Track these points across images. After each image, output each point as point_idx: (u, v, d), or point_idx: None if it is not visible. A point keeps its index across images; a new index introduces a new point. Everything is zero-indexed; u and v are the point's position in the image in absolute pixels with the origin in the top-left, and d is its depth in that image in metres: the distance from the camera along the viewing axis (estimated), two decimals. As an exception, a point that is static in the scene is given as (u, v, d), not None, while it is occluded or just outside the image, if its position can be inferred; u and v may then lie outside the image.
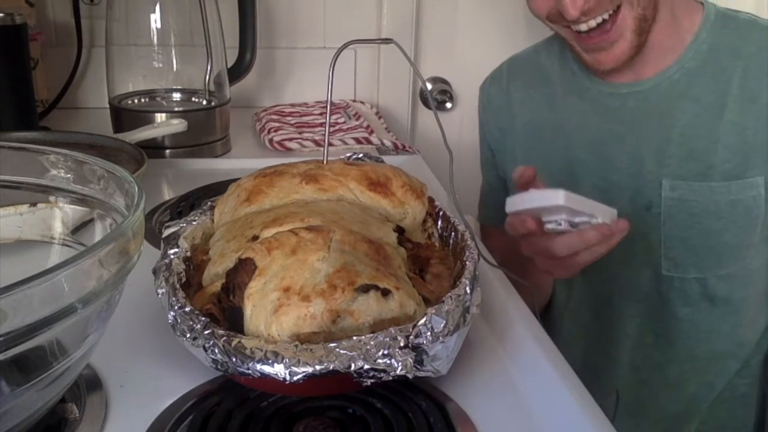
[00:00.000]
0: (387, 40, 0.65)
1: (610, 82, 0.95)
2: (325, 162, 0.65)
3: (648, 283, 0.95)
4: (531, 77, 1.06)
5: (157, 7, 1.14)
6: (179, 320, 0.48)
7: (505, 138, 1.08)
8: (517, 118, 1.06)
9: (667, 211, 0.91)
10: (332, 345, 0.44)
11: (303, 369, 0.43)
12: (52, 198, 0.54)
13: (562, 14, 0.85)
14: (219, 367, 0.45)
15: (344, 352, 0.44)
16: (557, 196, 0.69)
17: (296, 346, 0.44)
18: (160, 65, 1.17)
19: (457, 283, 0.51)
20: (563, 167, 1.00)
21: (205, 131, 1.13)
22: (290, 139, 1.16)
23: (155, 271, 0.54)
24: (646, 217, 0.93)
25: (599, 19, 0.85)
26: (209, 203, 0.65)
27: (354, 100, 1.51)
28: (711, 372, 0.98)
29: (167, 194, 0.95)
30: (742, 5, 1.67)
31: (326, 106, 0.65)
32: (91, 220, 0.52)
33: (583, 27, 0.86)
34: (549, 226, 0.72)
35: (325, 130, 0.65)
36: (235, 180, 0.67)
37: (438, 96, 1.58)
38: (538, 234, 0.74)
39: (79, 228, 0.53)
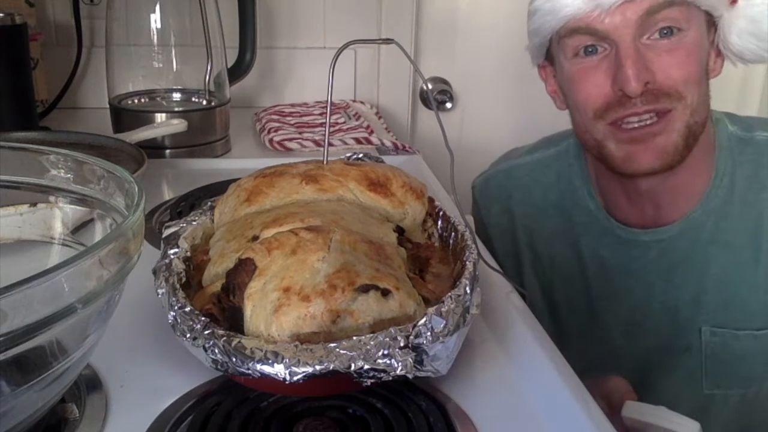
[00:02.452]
0: (388, 40, 0.64)
1: (630, 228, 0.88)
2: (325, 162, 0.65)
3: (687, 399, 0.91)
4: (539, 203, 0.96)
5: (157, 7, 1.14)
6: (179, 320, 0.48)
7: (519, 263, 1.00)
8: (527, 248, 0.98)
9: (708, 351, 0.86)
10: (332, 345, 0.44)
11: (303, 369, 0.43)
12: (52, 198, 0.54)
13: (620, 98, 0.77)
14: (219, 367, 0.45)
15: (344, 352, 0.44)
16: (692, 428, 0.68)
17: (296, 346, 0.44)
18: (160, 65, 1.17)
19: (457, 283, 0.51)
20: (586, 309, 0.93)
21: (205, 131, 1.13)
22: (290, 139, 1.16)
23: (155, 271, 0.54)
24: (685, 357, 0.88)
25: (650, 119, 0.78)
26: (209, 203, 0.65)
27: (354, 100, 1.51)
28: None
29: (167, 194, 0.95)
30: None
31: (326, 106, 0.65)
32: (91, 220, 0.52)
33: (635, 120, 0.78)
34: None
35: (325, 130, 0.65)
36: (235, 180, 0.67)
37: (438, 96, 1.59)
38: None
39: (79, 228, 0.53)
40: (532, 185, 0.98)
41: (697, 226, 0.85)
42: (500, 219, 1.00)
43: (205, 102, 1.17)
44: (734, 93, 1.65)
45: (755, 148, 0.85)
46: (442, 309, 0.47)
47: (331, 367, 0.43)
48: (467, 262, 0.55)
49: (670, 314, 0.87)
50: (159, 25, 1.15)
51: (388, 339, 0.44)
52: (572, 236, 0.94)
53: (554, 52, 0.85)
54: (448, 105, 1.60)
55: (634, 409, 0.72)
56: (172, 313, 0.49)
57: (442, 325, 0.46)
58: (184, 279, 0.54)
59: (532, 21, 0.84)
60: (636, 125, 0.79)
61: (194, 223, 0.62)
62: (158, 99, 1.19)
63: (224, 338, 0.45)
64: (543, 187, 0.97)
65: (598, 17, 0.76)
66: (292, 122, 1.27)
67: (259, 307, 0.48)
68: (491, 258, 0.72)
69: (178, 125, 1.04)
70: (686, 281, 0.86)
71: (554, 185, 0.96)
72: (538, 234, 0.97)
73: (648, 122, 0.78)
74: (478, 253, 0.58)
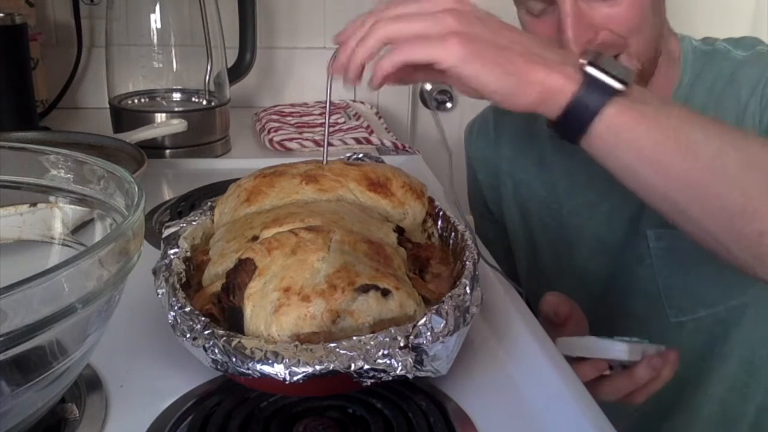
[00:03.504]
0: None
1: None
2: (324, 162, 0.65)
3: (657, 336, 0.88)
4: (519, 132, 1.01)
5: (157, 7, 1.14)
6: (179, 320, 0.48)
7: (499, 195, 1.05)
8: (507, 176, 1.02)
9: (658, 261, 0.87)
10: (332, 345, 0.44)
11: (303, 369, 0.43)
12: (52, 198, 0.54)
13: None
14: (219, 367, 0.45)
15: (344, 352, 0.44)
16: (621, 351, 0.68)
17: (296, 346, 0.44)
18: (160, 65, 1.17)
19: (457, 283, 0.51)
20: (558, 231, 0.97)
21: (205, 131, 1.13)
22: (290, 139, 1.16)
23: (155, 271, 0.54)
24: (638, 271, 0.89)
25: None
26: (209, 203, 0.65)
27: (354, 100, 1.51)
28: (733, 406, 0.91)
29: (167, 194, 0.95)
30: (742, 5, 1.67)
31: (326, 106, 0.65)
32: (91, 220, 0.52)
33: None
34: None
35: (324, 131, 0.65)
36: (235, 180, 0.67)
37: (438, 96, 1.58)
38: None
39: (79, 228, 0.53)
40: (518, 117, 1.02)
41: None
42: (486, 151, 1.05)
43: (205, 102, 1.17)
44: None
45: (712, 57, 0.87)
46: (442, 309, 0.47)
47: (331, 367, 0.43)
48: (467, 262, 0.55)
49: (626, 222, 0.88)
50: (159, 25, 1.15)
51: (388, 339, 0.44)
52: (546, 158, 0.97)
53: None
54: (448, 105, 1.60)
55: (565, 346, 0.72)
56: (172, 313, 0.49)
57: (442, 325, 0.46)
58: (184, 279, 0.54)
59: None
60: None
61: (194, 223, 0.62)
62: (158, 99, 1.19)
63: (224, 338, 0.45)
64: (525, 118, 1.00)
65: None
66: (292, 122, 1.27)
67: (259, 307, 0.48)
68: (491, 257, 0.72)
69: (178, 125, 1.04)
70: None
71: (534, 115, 0.99)
72: (516, 161, 1.01)
73: None
74: (478, 253, 0.58)
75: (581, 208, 0.94)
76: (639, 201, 0.85)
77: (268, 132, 1.20)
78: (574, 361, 0.71)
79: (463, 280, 0.51)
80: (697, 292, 0.87)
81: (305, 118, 1.31)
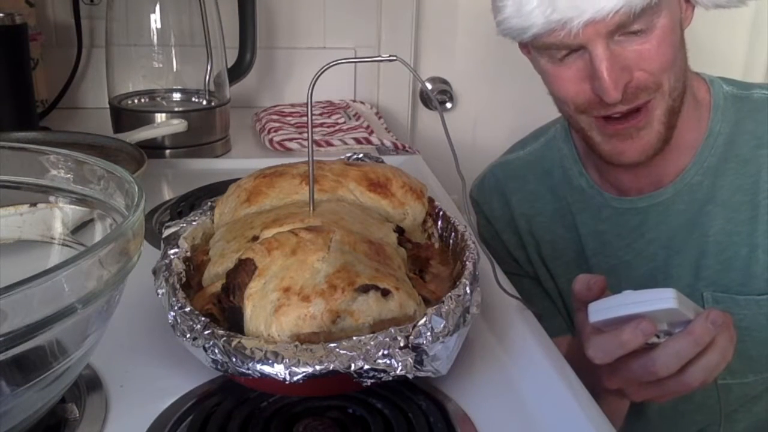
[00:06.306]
0: (391, 59, 0.59)
1: (626, 197, 0.87)
2: (311, 200, 0.58)
3: (701, 394, 0.81)
4: (534, 189, 0.97)
5: (157, 7, 1.14)
6: (179, 320, 0.48)
7: (526, 252, 0.99)
8: (528, 235, 0.98)
9: None
10: (332, 345, 0.44)
11: (303, 369, 0.43)
12: (52, 198, 0.54)
13: (600, 99, 0.76)
14: (219, 367, 0.45)
15: (344, 352, 0.44)
16: (666, 298, 0.56)
17: (296, 346, 0.44)
18: (160, 65, 1.17)
19: (457, 283, 0.51)
20: None
21: (205, 131, 1.13)
22: (290, 139, 1.16)
23: (155, 271, 0.54)
24: None
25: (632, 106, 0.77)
26: (209, 203, 0.65)
27: (354, 100, 1.51)
28: None
29: (167, 194, 0.95)
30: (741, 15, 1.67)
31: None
32: (91, 220, 0.52)
33: (618, 114, 0.77)
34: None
35: (308, 135, 0.65)
36: (235, 180, 0.67)
37: (438, 96, 1.58)
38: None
39: (79, 228, 0.53)
40: (527, 175, 0.98)
41: (693, 186, 0.83)
42: (501, 211, 1.01)
43: (205, 102, 1.17)
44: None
45: (753, 105, 0.84)
46: (442, 309, 0.47)
47: (331, 367, 0.43)
48: (467, 262, 0.55)
49: (670, 282, 0.83)
50: (159, 25, 1.15)
51: (388, 339, 0.45)
52: (569, 217, 0.94)
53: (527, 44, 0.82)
54: (448, 105, 1.60)
55: (600, 310, 0.60)
56: (172, 314, 0.49)
57: (442, 325, 0.46)
58: (184, 279, 0.54)
59: (498, 26, 0.80)
60: (619, 116, 0.78)
61: (194, 223, 0.62)
62: (158, 99, 1.19)
63: (224, 338, 0.45)
64: (537, 176, 0.97)
65: (568, 34, 0.73)
66: (292, 122, 1.27)
67: (259, 307, 0.48)
68: (509, 284, 0.67)
69: (178, 125, 1.04)
70: (686, 245, 0.84)
71: (548, 172, 0.96)
72: (535, 219, 0.97)
73: (631, 113, 0.78)
74: (478, 254, 0.58)
75: (614, 269, 0.89)
76: (691, 261, 0.82)
77: (268, 132, 1.20)
78: (609, 329, 0.61)
79: (463, 280, 0.51)
80: (748, 359, 0.82)
81: (305, 118, 1.31)
